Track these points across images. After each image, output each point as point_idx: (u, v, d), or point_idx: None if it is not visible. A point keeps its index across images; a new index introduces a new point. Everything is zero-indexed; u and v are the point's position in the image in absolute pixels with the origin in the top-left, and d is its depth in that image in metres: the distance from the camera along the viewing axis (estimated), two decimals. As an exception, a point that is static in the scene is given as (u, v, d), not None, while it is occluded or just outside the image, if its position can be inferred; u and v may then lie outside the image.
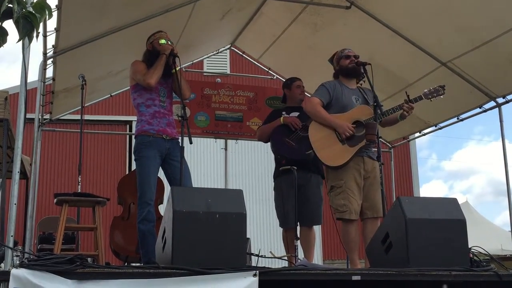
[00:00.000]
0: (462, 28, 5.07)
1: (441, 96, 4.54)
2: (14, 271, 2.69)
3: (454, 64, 5.53)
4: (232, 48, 7.01)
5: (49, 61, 4.87)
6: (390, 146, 7.47)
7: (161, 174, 4.45)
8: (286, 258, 4.52)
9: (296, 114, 5.11)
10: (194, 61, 6.97)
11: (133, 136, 4.91)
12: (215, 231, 3.05)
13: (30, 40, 2.38)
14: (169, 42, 4.45)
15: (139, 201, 4.26)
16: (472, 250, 3.53)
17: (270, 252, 5.01)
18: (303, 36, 6.09)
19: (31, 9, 2.31)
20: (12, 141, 5.14)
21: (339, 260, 11.94)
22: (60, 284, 2.71)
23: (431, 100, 4.54)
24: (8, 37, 2.34)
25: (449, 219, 3.46)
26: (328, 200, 4.50)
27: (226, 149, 7.24)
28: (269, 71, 7.12)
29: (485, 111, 5.90)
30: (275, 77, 7.13)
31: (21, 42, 2.63)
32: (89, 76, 5.52)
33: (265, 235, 10.81)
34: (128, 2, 4.63)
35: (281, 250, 5.05)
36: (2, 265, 3.33)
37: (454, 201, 3.62)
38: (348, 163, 4.33)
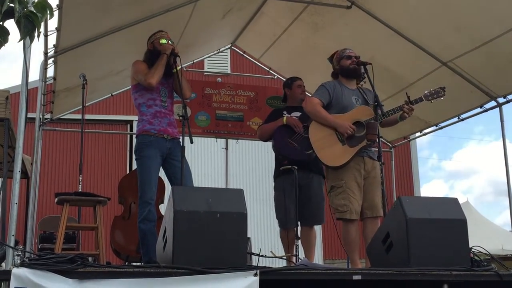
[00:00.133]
0: (462, 28, 5.07)
1: (442, 98, 4.54)
2: (15, 271, 2.70)
3: (454, 64, 5.52)
4: (232, 47, 7.01)
5: (50, 61, 4.88)
6: (391, 146, 7.47)
7: (162, 173, 4.45)
8: (286, 257, 4.52)
9: (297, 114, 5.10)
10: (194, 61, 6.97)
11: (134, 136, 4.92)
12: (216, 230, 3.06)
13: (32, 40, 2.38)
14: (169, 42, 4.45)
15: (140, 201, 4.26)
16: (472, 250, 3.53)
17: (271, 251, 5.01)
18: (303, 35, 6.09)
19: (32, 9, 2.32)
20: (13, 140, 5.15)
21: (339, 259, 11.94)
22: (61, 283, 2.71)
23: (431, 102, 4.54)
24: (10, 37, 2.34)
25: (449, 219, 3.46)
26: (328, 200, 4.50)
27: (226, 148, 7.24)
28: (270, 70, 7.12)
29: (485, 110, 5.89)
30: (275, 77, 7.13)
31: (22, 41, 2.63)
32: (90, 76, 5.53)
33: (265, 235, 10.81)
34: (129, 1, 4.63)
35: (281, 250, 5.05)
36: (3, 264, 3.33)
37: (454, 201, 3.62)
38: (348, 163, 4.33)
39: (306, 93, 7.03)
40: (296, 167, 4.45)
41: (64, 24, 4.32)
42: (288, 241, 4.87)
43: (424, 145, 50.85)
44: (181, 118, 4.18)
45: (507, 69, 5.26)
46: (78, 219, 5.89)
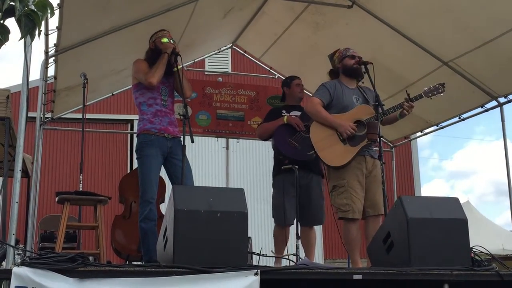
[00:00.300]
0: (464, 27, 5.06)
1: (441, 94, 4.54)
2: (15, 270, 2.70)
3: (455, 63, 5.52)
4: (233, 47, 7.00)
5: (51, 60, 4.87)
6: (392, 145, 7.47)
7: (162, 172, 4.45)
8: (287, 257, 4.52)
9: (297, 113, 5.10)
10: (195, 60, 6.97)
11: (134, 135, 4.92)
12: (217, 230, 3.05)
13: (32, 39, 2.37)
14: (171, 41, 4.45)
15: (140, 200, 4.26)
16: (473, 249, 3.53)
17: (271, 251, 5.02)
18: (304, 35, 6.09)
19: (33, 7, 2.31)
20: (13, 139, 5.14)
21: (340, 259, 11.95)
22: (61, 283, 2.71)
23: (431, 98, 4.54)
24: (10, 35, 2.34)
25: (450, 219, 3.46)
26: (330, 200, 4.50)
27: (227, 148, 7.25)
28: (271, 70, 7.11)
29: (486, 110, 5.89)
30: (276, 76, 7.13)
31: (23, 40, 2.63)
32: (90, 75, 5.53)
33: (266, 234, 10.80)
34: (130, 1, 4.63)
35: (286, 249, 5.05)
36: (4, 263, 3.33)
37: (455, 200, 3.62)
38: (350, 162, 4.33)
39: (307, 92, 7.07)
40: (297, 167, 4.45)
41: (65, 23, 4.32)
42: (281, 240, 4.87)
43: (425, 145, 50.86)
44: (182, 117, 4.18)
45: (508, 69, 5.25)
46: (78, 218, 5.89)
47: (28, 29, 2.28)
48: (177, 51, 4.39)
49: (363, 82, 4.64)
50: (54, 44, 4.64)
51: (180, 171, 4.20)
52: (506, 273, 3.37)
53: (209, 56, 7.36)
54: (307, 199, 4.83)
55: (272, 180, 5.19)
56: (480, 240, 4.22)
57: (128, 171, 11.38)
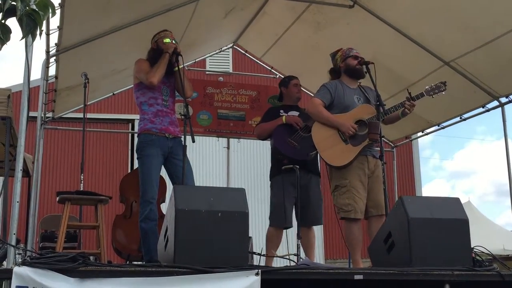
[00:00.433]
0: (465, 27, 5.06)
1: (443, 92, 4.53)
2: (16, 269, 2.70)
3: (457, 63, 5.52)
4: (234, 47, 7.00)
5: (52, 59, 4.87)
6: (393, 145, 7.46)
7: (163, 172, 4.45)
8: (288, 257, 4.52)
9: (295, 113, 5.11)
10: (196, 60, 6.97)
11: (135, 135, 4.92)
12: (217, 230, 3.05)
13: (34, 38, 2.37)
14: (173, 41, 4.45)
15: (141, 200, 4.26)
16: (474, 250, 3.53)
17: (272, 251, 5.01)
18: (306, 35, 6.09)
19: (34, 7, 2.31)
20: (14, 139, 5.14)
21: (341, 259, 11.95)
22: (62, 282, 2.71)
23: (432, 97, 4.54)
24: (11, 35, 2.34)
25: (451, 219, 3.46)
26: (332, 200, 4.50)
27: (228, 148, 7.24)
28: (272, 70, 7.11)
29: (488, 110, 5.88)
30: (277, 76, 7.12)
31: (24, 40, 2.63)
32: (91, 75, 5.53)
33: (267, 234, 10.80)
34: (131, 0, 4.63)
35: (283, 249, 5.04)
36: (5, 263, 3.33)
37: (456, 200, 3.62)
38: (352, 162, 4.33)
39: (308, 92, 7.07)
40: (298, 167, 4.45)
41: (66, 23, 4.32)
42: (277, 242, 4.88)
43: (426, 144, 50.80)
44: (183, 117, 4.18)
45: (509, 69, 5.25)
46: (79, 218, 5.89)
47: (30, 29, 2.28)
48: (178, 51, 4.39)
49: (360, 82, 4.65)
50: (55, 44, 4.64)
51: (181, 171, 4.20)
52: (507, 274, 3.37)
53: (210, 56, 7.36)
54: (307, 199, 4.82)
55: (269, 181, 5.17)
56: (481, 240, 4.21)
57: (129, 170, 11.39)
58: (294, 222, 4.82)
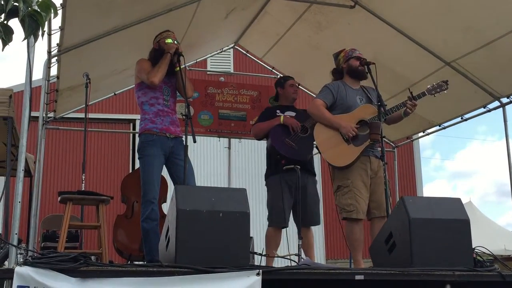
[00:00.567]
0: (466, 27, 5.06)
1: (445, 91, 4.53)
2: (18, 269, 2.70)
3: (458, 63, 5.51)
4: (235, 47, 7.00)
5: (54, 60, 4.88)
6: (394, 145, 7.46)
7: (164, 172, 4.46)
8: (289, 257, 4.52)
9: (292, 114, 5.11)
10: (197, 60, 6.97)
11: (136, 135, 4.92)
12: (219, 230, 3.06)
13: (36, 39, 2.38)
14: (175, 42, 4.46)
15: (142, 200, 4.27)
16: (475, 250, 3.53)
17: (273, 251, 5.02)
18: (307, 35, 6.09)
19: (36, 8, 2.32)
20: (16, 139, 5.15)
21: (342, 259, 11.95)
22: (63, 282, 2.72)
23: (434, 96, 4.54)
24: (14, 36, 2.34)
25: (452, 219, 3.46)
26: (333, 200, 4.51)
27: (229, 148, 7.24)
28: (273, 70, 7.11)
29: (489, 111, 5.88)
30: (278, 76, 7.12)
31: (26, 40, 2.64)
32: (93, 75, 5.53)
33: (268, 234, 10.80)
34: (132, 1, 4.63)
35: (283, 250, 5.05)
36: (6, 263, 3.34)
37: (458, 201, 3.62)
38: (354, 162, 4.33)
39: (309, 92, 7.07)
40: (299, 167, 4.46)
41: (67, 23, 4.33)
42: (277, 242, 4.88)
43: (427, 145, 50.70)
44: (184, 117, 4.18)
45: (510, 69, 5.24)
46: (81, 218, 5.89)
47: (32, 30, 2.29)
48: (180, 51, 4.40)
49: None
50: (57, 44, 4.64)
51: (182, 171, 4.20)
52: (508, 274, 3.37)
53: (211, 56, 7.36)
54: (304, 199, 4.82)
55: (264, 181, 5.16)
56: (482, 240, 4.22)
57: (130, 170, 11.40)
58: (291, 223, 4.85)
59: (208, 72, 10.77)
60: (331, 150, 4.41)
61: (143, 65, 4.44)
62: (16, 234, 3.13)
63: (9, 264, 3.08)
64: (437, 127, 6.62)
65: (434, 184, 43.06)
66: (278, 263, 5.07)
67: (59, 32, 4.44)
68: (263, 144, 5.44)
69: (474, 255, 3.50)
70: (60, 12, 4.09)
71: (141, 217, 4.24)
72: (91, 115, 6.39)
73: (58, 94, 5.63)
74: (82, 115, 5.90)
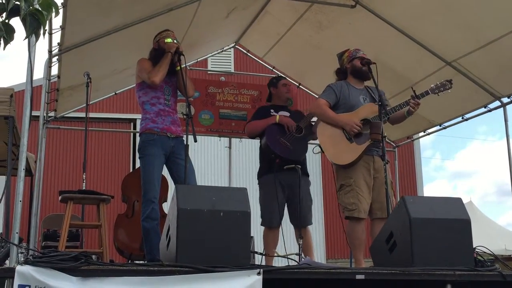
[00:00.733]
0: (467, 27, 5.06)
1: (448, 90, 4.53)
2: (19, 268, 2.70)
3: (459, 63, 5.51)
4: (236, 46, 7.00)
5: (54, 59, 4.88)
6: (394, 145, 7.46)
7: (165, 172, 4.46)
8: (290, 257, 4.52)
9: (286, 114, 5.11)
10: (198, 60, 6.97)
11: (137, 134, 4.93)
12: (219, 229, 3.06)
13: (37, 38, 2.38)
14: (175, 41, 4.46)
15: (143, 199, 4.27)
16: (476, 250, 3.53)
17: (273, 250, 5.02)
18: (307, 35, 6.08)
19: (38, 7, 2.32)
20: (17, 138, 5.16)
21: (342, 259, 11.94)
22: (64, 281, 2.72)
23: (438, 95, 4.53)
24: (15, 35, 2.34)
25: (453, 219, 3.46)
26: (334, 199, 4.51)
27: (230, 147, 7.23)
28: (274, 69, 7.11)
29: (490, 110, 5.88)
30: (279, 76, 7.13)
31: (27, 39, 2.64)
32: (93, 74, 5.53)
33: (268, 234, 10.79)
34: (132, 0, 4.63)
35: (284, 249, 5.05)
36: (7, 262, 3.34)
37: (458, 200, 3.62)
38: (357, 161, 4.33)
39: (310, 92, 7.07)
40: (299, 166, 4.46)
41: (68, 22, 4.33)
42: (275, 242, 4.88)
43: (427, 145, 50.66)
44: (185, 116, 4.18)
45: (511, 69, 5.24)
46: (81, 217, 5.89)
47: (33, 29, 2.29)
48: (180, 51, 4.40)
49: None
50: (58, 43, 4.65)
51: (183, 171, 4.21)
52: (508, 274, 3.37)
53: (212, 56, 7.36)
54: (298, 199, 4.80)
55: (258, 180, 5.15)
56: (483, 240, 4.22)
57: (131, 170, 11.39)
58: (286, 223, 4.85)
59: (209, 72, 10.77)
60: (334, 148, 4.41)
61: (144, 65, 4.44)
62: (17, 233, 3.14)
63: (10, 263, 3.09)
64: (438, 127, 6.62)
65: (434, 184, 43.04)
66: (278, 262, 5.07)
67: (60, 32, 4.44)
68: (263, 144, 5.42)
69: (475, 255, 3.50)
70: (60, 11, 4.09)
71: (142, 217, 4.24)
72: (91, 115, 6.39)
73: (58, 93, 5.63)
74: (82, 115, 5.90)
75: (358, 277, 3.11)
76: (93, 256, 4.04)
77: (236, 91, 6.86)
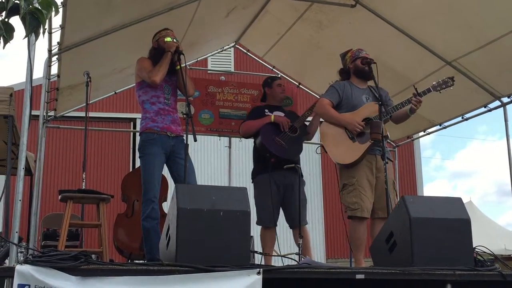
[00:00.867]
0: (467, 27, 5.06)
1: (451, 88, 4.53)
2: (18, 267, 2.70)
3: (459, 63, 5.51)
4: (236, 46, 7.00)
5: (54, 58, 4.88)
6: (394, 145, 7.46)
7: (165, 171, 4.45)
8: (290, 256, 4.52)
9: (281, 114, 5.11)
10: (198, 59, 6.97)
11: (137, 133, 4.93)
12: (219, 228, 3.06)
13: (37, 37, 2.38)
14: (174, 40, 4.46)
15: (143, 199, 4.27)
16: (476, 249, 3.53)
17: (274, 250, 5.02)
18: (307, 34, 6.08)
19: (37, 6, 2.32)
20: (16, 137, 5.15)
21: (342, 258, 11.93)
22: (64, 280, 2.72)
23: (440, 92, 4.54)
24: (14, 33, 2.34)
25: (453, 219, 3.46)
26: (334, 199, 4.51)
27: (230, 147, 7.23)
28: (274, 69, 7.11)
29: (490, 110, 5.88)
30: (279, 75, 7.11)
31: (27, 38, 2.63)
32: (93, 73, 5.53)
33: (268, 233, 10.78)
34: (133, -1, 4.64)
35: (284, 249, 5.05)
36: (7, 261, 3.34)
37: (458, 200, 3.62)
38: (360, 160, 4.33)
39: (310, 92, 7.07)
40: (299, 166, 4.46)
41: (68, 22, 4.33)
42: (273, 242, 4.87)
43: (427, 144, 50.66)
44: (184, 116, 4.18)
45: (511, 69, 5.24)
46: (81, 216, 5.89)
47: (33, 28, 2.29)
48: (180, 50, 4.39)
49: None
50: (58, 43, 4.65)
51: (182, 170, 4.20)
52: (508, 274, 3.37)
53: (212, 55, 7.36)
54: (293, 199, 4.80)
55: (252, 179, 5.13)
56: (482, 240, 4.21)
57: (131, 169, 11.39)
58: (282, 222, 4.84)
59: (209, 71, 10.77)
60: (336, 148, 4.42)
61: (143, 64, 4.43)
62: (16, 232, 3.14)
63: (10, 262, 3.09)
64: (438, 127, 6.62)
65: (434, 184, 43.06)
66: (278, 262, 5.07)
67: (59, 31, 4.44)
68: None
69: (475, 255, 3.50)
70: (60, 10, 4.08)
71: (142, 216, 4.24)
72: (91, 114, 6.39)
73: (58, 92, 5.63)
74: (82, 114, 5.90)
75: (358, 276, 3.10)
76: (93, 256, 4.04)
77: (236, 91, 6.86)
